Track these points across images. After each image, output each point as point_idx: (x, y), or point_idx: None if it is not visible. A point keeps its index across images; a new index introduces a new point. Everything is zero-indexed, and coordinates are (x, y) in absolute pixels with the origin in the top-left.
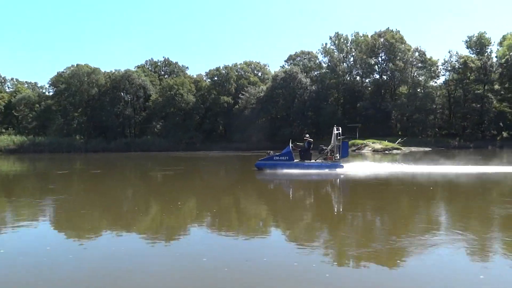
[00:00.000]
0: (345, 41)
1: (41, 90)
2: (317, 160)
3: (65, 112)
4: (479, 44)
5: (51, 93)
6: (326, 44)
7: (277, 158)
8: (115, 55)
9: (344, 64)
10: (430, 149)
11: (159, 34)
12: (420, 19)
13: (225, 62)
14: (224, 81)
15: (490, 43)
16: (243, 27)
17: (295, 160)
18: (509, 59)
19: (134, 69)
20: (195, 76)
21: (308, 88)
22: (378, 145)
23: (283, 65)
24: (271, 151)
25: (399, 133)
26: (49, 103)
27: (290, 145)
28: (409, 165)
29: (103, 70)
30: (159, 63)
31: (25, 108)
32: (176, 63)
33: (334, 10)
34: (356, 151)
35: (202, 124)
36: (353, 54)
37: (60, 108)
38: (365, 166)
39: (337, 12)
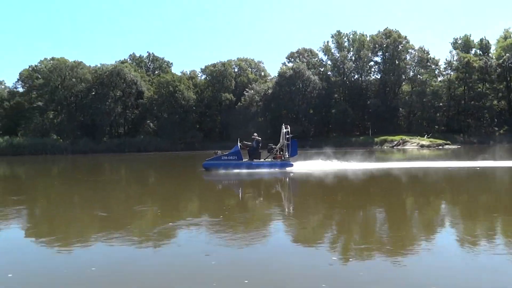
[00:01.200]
0: (347, 39)
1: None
2: (266, 159)
3: (43, 110)
4: (468, 46)
5: (20, 89)
6: (327, 42)
7: (226, 158)
8: (95, 49)
9: (349, 62)
10: (459, 146)
11: (140, 28)
12: (420, 17)
13: (217, 59)
14: (222, 77)
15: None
16: (232, 24)
17: (243, 160)
18: (506, 60)
19: (115, 64)
20: (188, 73)
21: (316, 85)
22: (422, 141)
23: (284, 62)
24: (219, 151)
25: (408, 129)
26: (18, 101)
27: (238, 144)
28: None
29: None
30: (144, 59)
31: None
32: (163, 58)
33: (330, 7)
34: (396, 147)
35: (201, 123)
36: (356, 52)
37: (37, 105)
38: (316, 164)
39: (333, 9)
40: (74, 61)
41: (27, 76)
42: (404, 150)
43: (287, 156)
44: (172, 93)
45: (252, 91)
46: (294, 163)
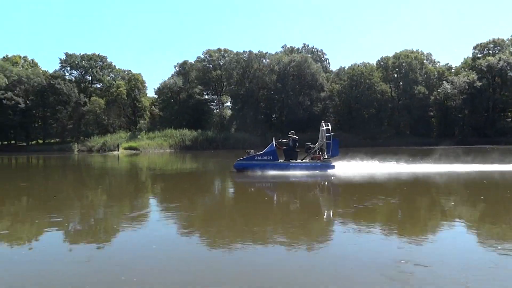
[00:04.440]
0: None
1: None
2: (303, 160)
3: None
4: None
5: None
6: None
7: (259, 158)
8: None
9: None
10: None
11: None
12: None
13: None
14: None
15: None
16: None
17: (279, 160)
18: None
19: None
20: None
21: None
22: None
23: None
24: (252, 150)
25: None
26: None
27: (274, 142)
28: (404, 164)
29: None
30: None
31: None
32: None
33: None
34: None
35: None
36: None
37: None
38: (359, 166)
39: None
40: None
41: None
42: None
43: (326, 156)
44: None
45: (450, 84)
46: (336, 164)
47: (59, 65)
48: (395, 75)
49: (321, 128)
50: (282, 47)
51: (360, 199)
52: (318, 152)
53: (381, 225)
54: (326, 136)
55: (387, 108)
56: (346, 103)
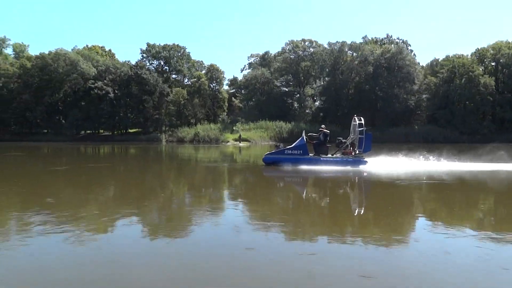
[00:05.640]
0: None
1: None
2: (334, 155)
3: None
4: None
5: None
6: None
7: (289, 152)
8: None
9: None
10: None
11: None
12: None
13: None
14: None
15: None
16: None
17: (310, 155)
18: None
19: None
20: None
21: None
22: None
23: None
24: (281, 144)
25: None
26: None
27: (304, 136)
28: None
29: None
30: None
31: None
32: None
33: None
34: None
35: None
36: None
37: None
38: (393, 162)
39: None
40: None
41: None
42: None
43: (358, 151)
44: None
45: None
46: (368, 160)
47: (140, 55)
48: (495, 67)
49: (353, 123)
50: (363, 38)
51: None
52: (350, 147)
53: None
54: (359, 131)
55: (488, 102)
56: (444, 96)
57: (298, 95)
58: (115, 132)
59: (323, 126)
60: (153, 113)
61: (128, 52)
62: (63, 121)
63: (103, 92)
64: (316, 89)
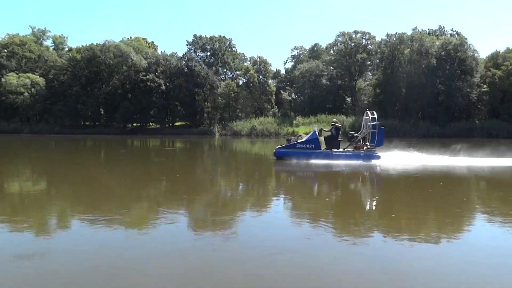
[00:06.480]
0: None
1: None
2: (346, 149)
3: None
4: None
5: None
6: None
7: (301, 146)
8: None
9: None
10: None
11: None
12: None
13: None
14: None
15: None
16: None
17: (321, 149)
18: None
19: None
20: None
21: None
22: None
23: None
24: (293, 137)
25: None
26: None
27: (316, 130)
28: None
29: None
30: None
31: None
32: None
33: None
34: None
35: None
36: None
37: None
38: (406, 156)
39: None
40: None
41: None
42: None
43: (370, 146)
44: None
45: None
46: (381, 154)
47: (187, 47)
48: None
49: (365, 117)
50: (413, 29)
51: None
52: (361, 142)
53: None
54: (372, 125)
55: None
56: (509, 90)
57: (351, 88)
58: (165, 125)
59: (335, 120)
60: (204, 106)
61: (167, 44)
62: (113, 114)
63: (155, 84)
64: (371, 82)
